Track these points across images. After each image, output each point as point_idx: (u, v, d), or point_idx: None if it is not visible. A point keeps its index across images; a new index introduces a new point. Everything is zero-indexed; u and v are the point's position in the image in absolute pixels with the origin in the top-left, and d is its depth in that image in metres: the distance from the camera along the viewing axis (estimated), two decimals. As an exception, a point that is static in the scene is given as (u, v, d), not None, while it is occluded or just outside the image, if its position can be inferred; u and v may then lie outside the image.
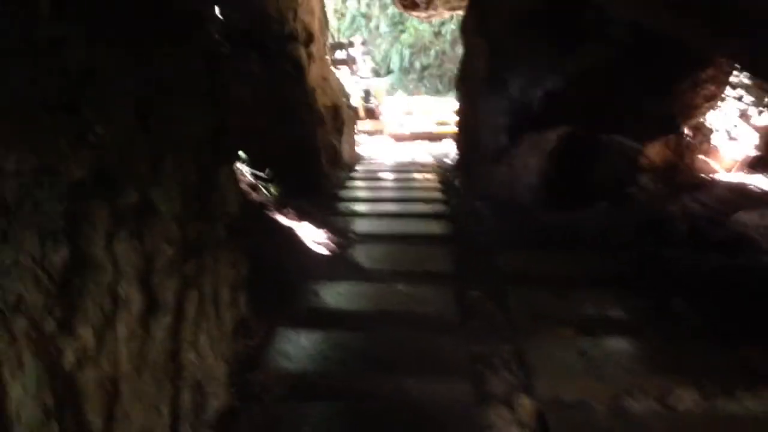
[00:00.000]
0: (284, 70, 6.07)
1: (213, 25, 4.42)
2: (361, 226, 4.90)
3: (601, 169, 5.40)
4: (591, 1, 6.38)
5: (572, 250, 4.42)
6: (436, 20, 19.69)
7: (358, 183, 6.82)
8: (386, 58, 22.62)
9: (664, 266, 4.07)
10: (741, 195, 6.30)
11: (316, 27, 8.27)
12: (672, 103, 6.70)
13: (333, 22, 23.18)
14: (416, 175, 7.32)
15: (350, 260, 4.15)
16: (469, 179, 6.47)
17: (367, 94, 12.71)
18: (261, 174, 4.83)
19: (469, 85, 7.00)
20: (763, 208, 5.91)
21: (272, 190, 4.79)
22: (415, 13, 9.12)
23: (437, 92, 21.08)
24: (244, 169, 4.73)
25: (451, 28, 20.98)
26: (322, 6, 9.24)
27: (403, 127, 12.02)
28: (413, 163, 8.49)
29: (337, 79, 9.17)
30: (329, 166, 7.44)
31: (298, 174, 5.83)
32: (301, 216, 4.78)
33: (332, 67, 11.59)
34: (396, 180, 7.09)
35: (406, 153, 10.08)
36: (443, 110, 12.89)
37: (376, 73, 22.14)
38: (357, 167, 8.08)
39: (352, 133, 9.61)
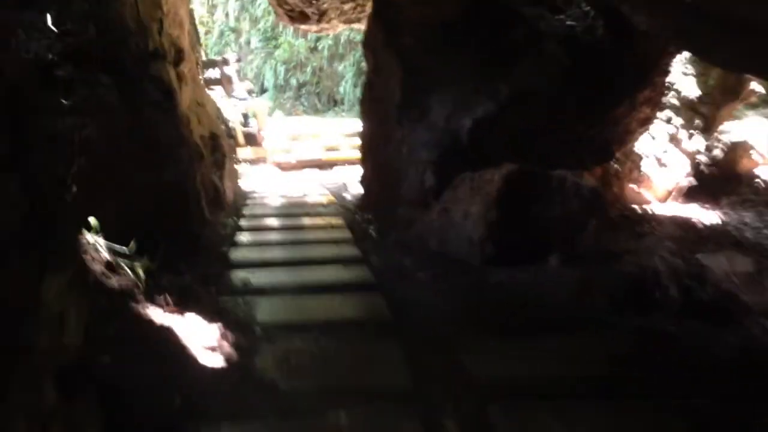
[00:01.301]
0: (149, 96, 4.68)
1: (35, 40, 3.04)
2: (264, 310, 3.62)
3: (553, 213, 4.46)
4: (519, 12, 5.50)
5: (547, 330, 3.39)
6: (311, 35, 18.59)
7: (249, 236, 5.49)
8: (260, 75, 21.25)
9: (679, 353, 3.12)
10: (691, 232, 5.61)
11: (186, 42, 6.90)
12: (607, 128, 5.94)
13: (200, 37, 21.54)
14: (318, 220, 6.09)
15: (258, 375, 2.88)
16: (387, 226, 5.35)
17: (245, 118, 11.30)
18: (122, 248, 3.45)
19: (378, 109, 5.91)
20: (725, 249, 5.22)
21: (139, 268, 3.43)
22: (304, 27, 7.93)
23: (316, 111, 19.97)
24: (96, 243, 3.34)
25: (329, 43, 19.97)
26: (192, 18, 7.86)
27: (289, 155, 10.74)
28: (310, 202, 7.24)
29: (214, 103, 7.80)
30: (212, 212, 6.07)
31: (174, 233, 4.46)
32: (183, 302, 3.45)
33: (206, 89, 10.16)
34: (295, 228, 5.82)
35: (296, 186, 8.82)
36: (331, 132, 11.76)
37: (250, 93, 20.65)
38: (244, 210, 6.73)
39: (234, 165, 8.25)
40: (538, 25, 5.48)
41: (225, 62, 11.17)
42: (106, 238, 3.52)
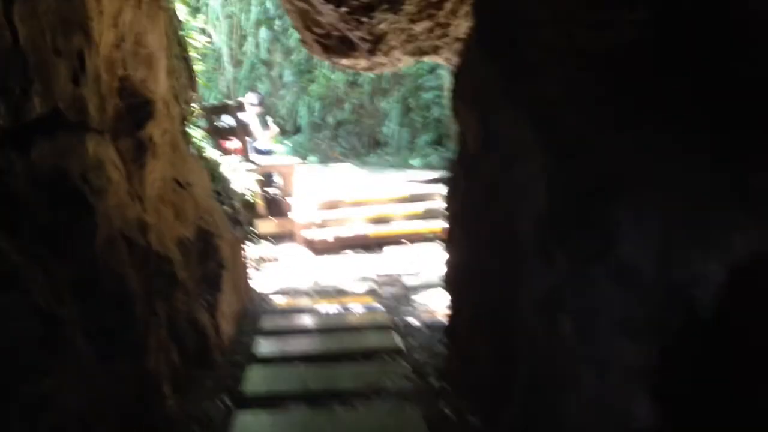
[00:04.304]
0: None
1: None
2: None
3: None
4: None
5: None
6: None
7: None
8: (293, 112, 18.87)
9: None
10: None
11: (161, 88, 4.31)
12: None
13: (228, 71, 19.28)
14: (379, 415, 3.33)
15: None
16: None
17: (268, 178, 8.69)
18: None
19: (487, 213, 3.16)
20: None
21: None
22: (346, 62, 5.21)
23: (355, 153, 17.43)
24: None
25: (370, 77, 17.47)
26: (181, 49, 5.28)
27: (324, 230, 8.04)
28: (356, 348, 4.34)
29: (207, 178, 5.17)
30: (188, 384, 3.39)
31: None
32: None
33: (220, 141, 7.58)
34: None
35: (335, 288, 6.11)
36: (379, 195, 9.02)
37: (282, 133, 18.15)
38: (247, 373, 3.96)
39: (241, 265, 5.59)
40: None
41: (241, 107, 8.56)
42: None
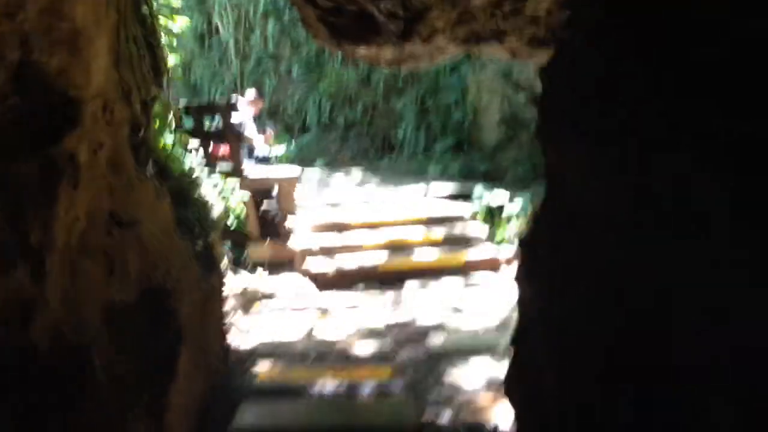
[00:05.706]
0: None
1: None
2: None
3: None
4: None
5: None
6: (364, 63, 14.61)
7: None
8: (301, 111, 17.50)
9: None
10: None
11: (95, 81, 2.88)
12: None
13: (234, 65, 17.98)
14: None
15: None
16: None
17: (266, 194, 7.26)
18: None
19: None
20: None
21: None
22: (367, 52, 3.73)
23: (366, 157, 15.98)
24: None
25: (384, 74, 16.03)
26: (139, 28, 3.90)
27: (329, 259, 6.59)
28: None
29: (168, 208, 3.77)
30: None
31: None
32: None
33: (188, 160, 6.17)
34: None
35: (340, 351, 4.70)
36: (395, 214, 7.59)
37: (289, 132, 16.78)
38: None
39: (214, 324, 4.19)
40: None
41: (233, 107, 7.05)
42: None
